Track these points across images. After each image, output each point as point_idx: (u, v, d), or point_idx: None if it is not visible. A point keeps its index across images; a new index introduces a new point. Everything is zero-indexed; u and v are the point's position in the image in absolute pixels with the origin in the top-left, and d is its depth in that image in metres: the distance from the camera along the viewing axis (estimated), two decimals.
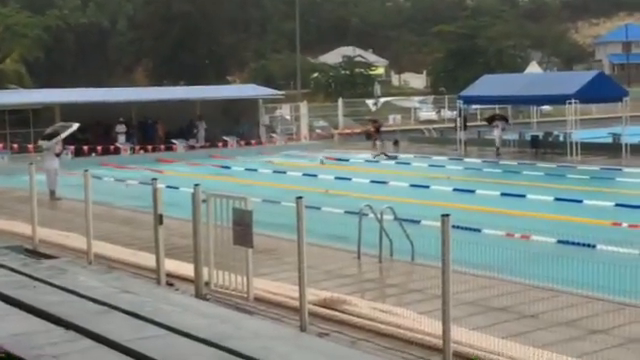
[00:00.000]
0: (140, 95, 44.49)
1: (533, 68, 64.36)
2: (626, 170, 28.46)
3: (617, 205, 19.87)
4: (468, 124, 40.23)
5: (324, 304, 10.69)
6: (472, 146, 38.17)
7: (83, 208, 14.39)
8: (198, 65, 79.15)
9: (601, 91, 33.97)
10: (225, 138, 40.78)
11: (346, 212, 17.67)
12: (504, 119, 38.42)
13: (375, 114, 54.67)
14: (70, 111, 36.87)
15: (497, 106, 48.17)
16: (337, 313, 10.44)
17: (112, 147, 37.47)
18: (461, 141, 37.61)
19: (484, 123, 50.24)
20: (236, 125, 42.67)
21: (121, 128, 39.66)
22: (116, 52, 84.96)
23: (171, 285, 12.29)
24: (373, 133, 43.16)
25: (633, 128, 34.81)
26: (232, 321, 9.26)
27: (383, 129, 44.63)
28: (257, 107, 44.39)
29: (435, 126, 51.82)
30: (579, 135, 34.36)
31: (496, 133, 36.69)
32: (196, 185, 11.76)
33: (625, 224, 16.90)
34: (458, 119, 39.67)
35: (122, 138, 39.38)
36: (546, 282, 11.81)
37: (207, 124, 41.69)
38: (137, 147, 38.93)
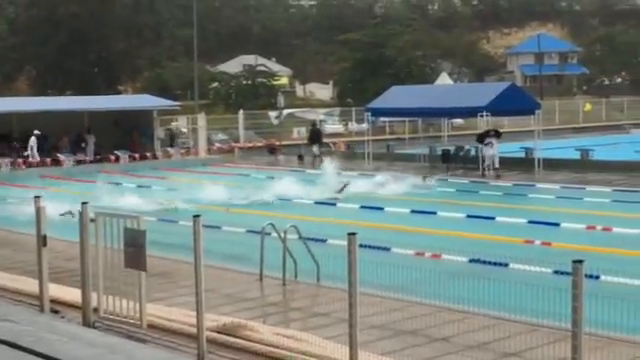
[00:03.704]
0: (22, 106, 43.55)
1: (443, 79, 65.62)
2: (539, 186, 29.23)
3: (530, 222, 20.42)
4: (381, 137, 40.47)
5: (223, 330, 10.62)
6: (380, 161, 38.58)
7: None
8: (86, 73, 78.01)
9: (513, 103, 34.55)
10: (117, 152, 40.25)
11: (248, 231, 17.68)
12: (498, 135, 34.25)
13: (278, 127, 54.84)
14: None
15: (407, 119, 48.97)
16: (237, 340, 10.38)
17: None
18: (369, 154, 38.01)
19: (394, 136, 50.99)
20: (128, 138, 42.16)
21: (33, 141, 38.66)
22: None
23: (56, 312, 12.02)
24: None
25: (546, 142, 35.75)
26: (123, 351, 9.12)
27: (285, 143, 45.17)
28: (151, 119, 43.95)
29: (342, 139, 52.23)
30: None
31: (488, 152, 33.18)
32: (84, 203, 11.55)
33: (538, 241, 17.40)
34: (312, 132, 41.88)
35: (34, 151, 38.69)
36: (457, 303, 12.01)
37: (97, 137, 41.05)
38: (20, 162, 38.12)
